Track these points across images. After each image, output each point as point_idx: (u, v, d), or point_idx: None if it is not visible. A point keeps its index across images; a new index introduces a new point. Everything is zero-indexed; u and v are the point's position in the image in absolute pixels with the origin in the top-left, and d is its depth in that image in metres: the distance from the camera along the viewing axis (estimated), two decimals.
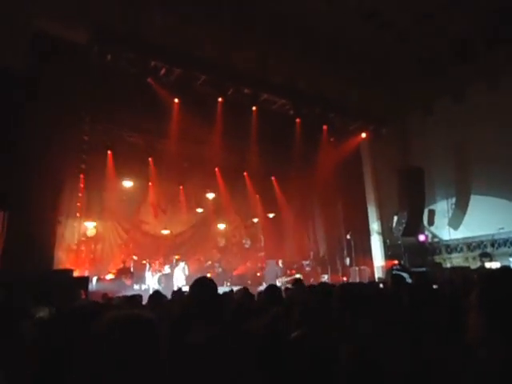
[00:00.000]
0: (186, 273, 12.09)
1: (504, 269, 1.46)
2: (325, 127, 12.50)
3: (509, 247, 11.15)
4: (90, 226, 11.89)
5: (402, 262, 11.41)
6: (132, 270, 11.57)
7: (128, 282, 10.80)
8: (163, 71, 9.62)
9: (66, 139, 8.23)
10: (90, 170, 10.87)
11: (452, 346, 1.66)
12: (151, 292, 5.91)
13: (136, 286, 10.89)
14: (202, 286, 2.24)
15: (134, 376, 0.99)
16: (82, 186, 10.49)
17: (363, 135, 13.19)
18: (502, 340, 1.01)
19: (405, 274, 5.12)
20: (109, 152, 12.01)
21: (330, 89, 11.75)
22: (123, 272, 11.03)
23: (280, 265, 13.53)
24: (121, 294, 6.75)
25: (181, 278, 11.82)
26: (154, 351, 1.03)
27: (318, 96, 11.59)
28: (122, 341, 1.01)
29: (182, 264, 12.32)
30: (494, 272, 1.34)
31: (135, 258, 12.13)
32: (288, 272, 13.46)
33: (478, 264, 11.39)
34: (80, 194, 10.27)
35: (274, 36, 10.23)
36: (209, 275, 11.56)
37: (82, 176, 10.50)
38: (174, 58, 9.53)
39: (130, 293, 6.82)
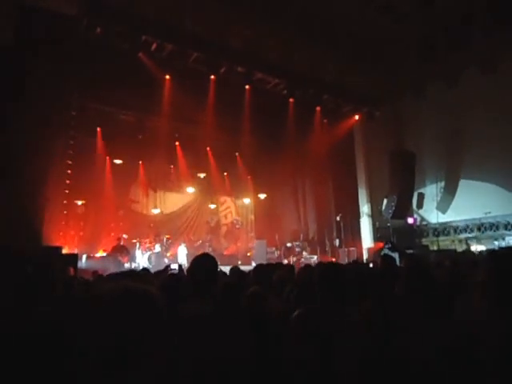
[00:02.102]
0: (186, 252, 12.22)
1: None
2: (318, 108, 12.41)
3: (495, 231, 11.37)
4: (79, 204, 11.78)
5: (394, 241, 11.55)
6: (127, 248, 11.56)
7: (124, 259, 10.78)
8: (154, 46, 9.37)
9: (54, 114, 8.03)
10: (79, 146, 10.68)
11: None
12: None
13: (126, 265, 10.89)
14: (202, 262, 2.26)
15: (136, 349, 0.99)
16: (70, 162, 10.30)
17: (356, 117, 13.14)
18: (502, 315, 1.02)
19: (394, 255, 5.18)
20: (98, 129, 11.80)
21: (325, 70, 11.62)
22: (118, 249, 11.00)
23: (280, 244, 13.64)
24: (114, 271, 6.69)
25: (182, 258, 11.93)
26: (156, 324, 1.03)
27: (312, 77, 11.45)
28: (124, 312, 1.01)
29: (183, 245, 12.51)
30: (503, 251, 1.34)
31: (125, 236, 12.10)
32: (278, 252, 13.59)
33: (464, 247, 11.65)
34: (69, 171, 10.10)
35: (270, 15, 9.99)
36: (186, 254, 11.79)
37: (70, 153, 10.31)
38: (166, 33, 9.27)
39: (120, 270, 6.78)
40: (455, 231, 12.46)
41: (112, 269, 8.05)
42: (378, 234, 13.00)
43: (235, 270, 4.61)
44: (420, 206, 13.30)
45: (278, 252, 13.64)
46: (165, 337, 1.04)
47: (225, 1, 9.51)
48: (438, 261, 5.68)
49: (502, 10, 9.99)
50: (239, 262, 12.29)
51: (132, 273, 4.32)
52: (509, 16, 10.00)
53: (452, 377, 1.32)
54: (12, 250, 5.40)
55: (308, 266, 4.35)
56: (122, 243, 11.44)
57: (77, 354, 1.14)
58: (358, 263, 6.29)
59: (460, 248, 11.65)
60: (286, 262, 12.33)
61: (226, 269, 5.00)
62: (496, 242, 10.87)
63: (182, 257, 12.00)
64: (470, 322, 1.14)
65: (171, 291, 2.24)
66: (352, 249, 12.65)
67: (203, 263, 2.28)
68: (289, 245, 13.63)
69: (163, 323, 1.06)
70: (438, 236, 12.80)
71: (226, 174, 15.22)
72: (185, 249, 12.28)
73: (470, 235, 11.92)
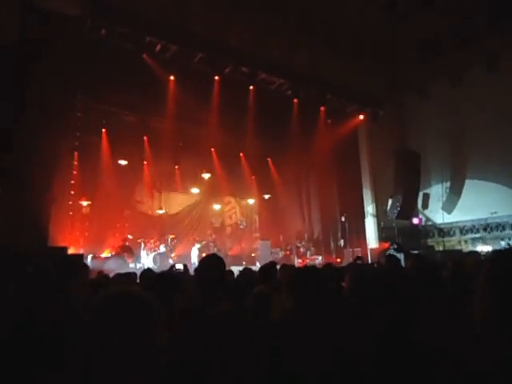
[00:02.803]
0: (198, 253, 12.29)
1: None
2: (322, 108, 12.39)
3: (501, 231, 11.28)
4: (84, 205, 11.84)
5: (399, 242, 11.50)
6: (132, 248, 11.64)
7: (129, 259, 10.85)
8: (159, 47, 9.40)
9: (59, 115, 8.07)
10: (84, 147, 10.75)
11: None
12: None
13: (131, 265, 10.93)
14: (210, 263, 2.27)
15: (126, 355, 0.99)
16: (75, 163, 10.37)
17: (361, 117, 13.10)
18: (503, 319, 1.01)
19: (400, 255, 5.16)
20: (103, 130, 11.86)
21: (329, 70, 11.60)
22: (125, 250, 11.06)
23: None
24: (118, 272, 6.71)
25: (194, 258, 11.99)
26: (146, 328, 1.04)
27: (316, 77, 11.43)
28: (115, 317, 1.01)
29: (197, 245, 12.57)
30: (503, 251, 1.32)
31: (130, 237, 12.14)
32: (282, 253, 13.57)
33: (470, 247, 11.57)
34: (74, 172, 10.16)
35: (273, 15, 10.01)
36: (203, 255, 11.71)
37: (75, 153, 10.38)
38: (170, 34, 9.30)
39: (126, 271, 6.80)
40: (461, 232, 12.38)
41: (117, 269, 8.08)
42: (382, 235, 12.95)
43: (247, 270, 4.64)
44: (425, 206, 13.23)
45: (283, 253, 13.62)
46: (162, 339, 1.04)
47: (226, 1, 9.53)
48: (442, 262, 5.63)
49: (502, 9, 9.93)
50: (243, 263, 12.30)
51: (147, 272, 4.31)
52: (509, 16, 9.94)
53: (452, 377, 1.31)
54: (12, 249, 5.42)
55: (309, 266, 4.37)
56: (126, 243, 11.50)
57: (76, 355, 1.14)
58: (358, 261, 6.27)
59: (466, 249, 11.57)
60: (300, 261, 12.47)
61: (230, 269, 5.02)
62: (502, 242, 10.79)
63: (194, 257, 12.11)
64: (469, 321, 1.13)
65: (171, 291, 2.24)
66: (357, 249, 12.61)
67: (211, 264, 2.29)
68: (299, 244, 13.69)
69: (159, 326, 1.06)
70: (443, 236, 12.72)
71: (230, 174, 15.21)
72: (197, 250, 12.37)
73: (475, 235, 11.84)
